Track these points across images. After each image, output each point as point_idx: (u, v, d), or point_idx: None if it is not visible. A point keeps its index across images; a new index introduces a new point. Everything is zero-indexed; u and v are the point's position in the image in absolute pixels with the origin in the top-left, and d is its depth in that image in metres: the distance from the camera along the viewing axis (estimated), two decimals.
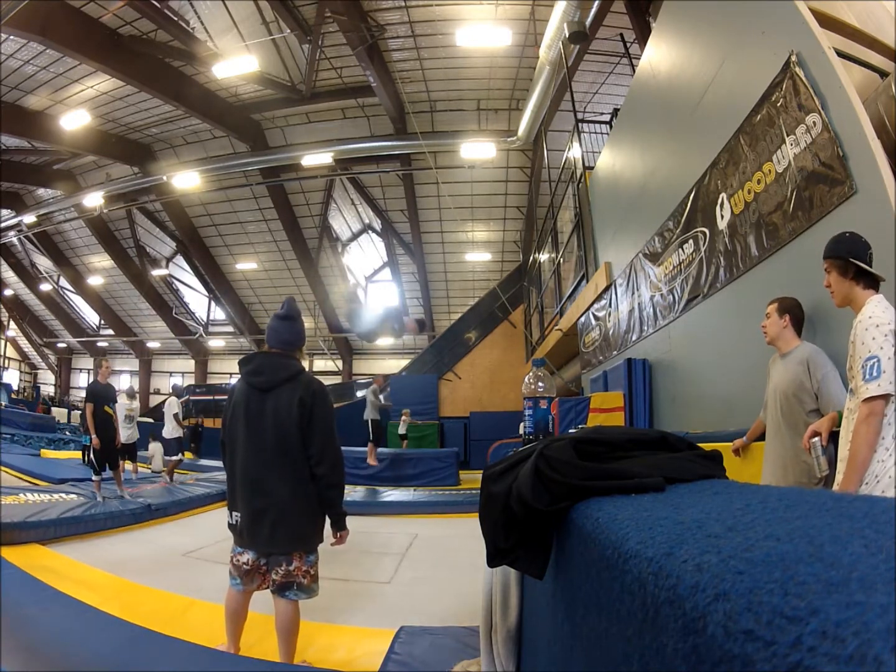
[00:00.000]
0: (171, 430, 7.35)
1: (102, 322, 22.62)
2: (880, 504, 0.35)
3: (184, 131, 14.13)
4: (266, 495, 1.99)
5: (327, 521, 2.17)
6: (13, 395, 18.85)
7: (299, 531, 2.04)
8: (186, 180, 14.04)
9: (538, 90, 9.79)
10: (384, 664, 1.94)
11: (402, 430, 11.83)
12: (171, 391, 8.11)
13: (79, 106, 11.96)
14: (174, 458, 7.37)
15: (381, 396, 8.27)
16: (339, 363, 20.31)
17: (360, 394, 16.14)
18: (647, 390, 5.02)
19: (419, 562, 4.18)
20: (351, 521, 2.23)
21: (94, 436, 5.20)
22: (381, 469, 8.61)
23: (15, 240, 19.00)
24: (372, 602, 3.19)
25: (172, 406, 7.47)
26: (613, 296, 6.11)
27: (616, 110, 7.71)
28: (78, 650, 1.83)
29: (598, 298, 6.69)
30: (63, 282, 21.42)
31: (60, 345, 24.56)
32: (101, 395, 5.30)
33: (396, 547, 4.66)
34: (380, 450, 9.13)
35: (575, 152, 7.95)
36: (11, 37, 9.53)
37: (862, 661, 0.19)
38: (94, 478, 5.29)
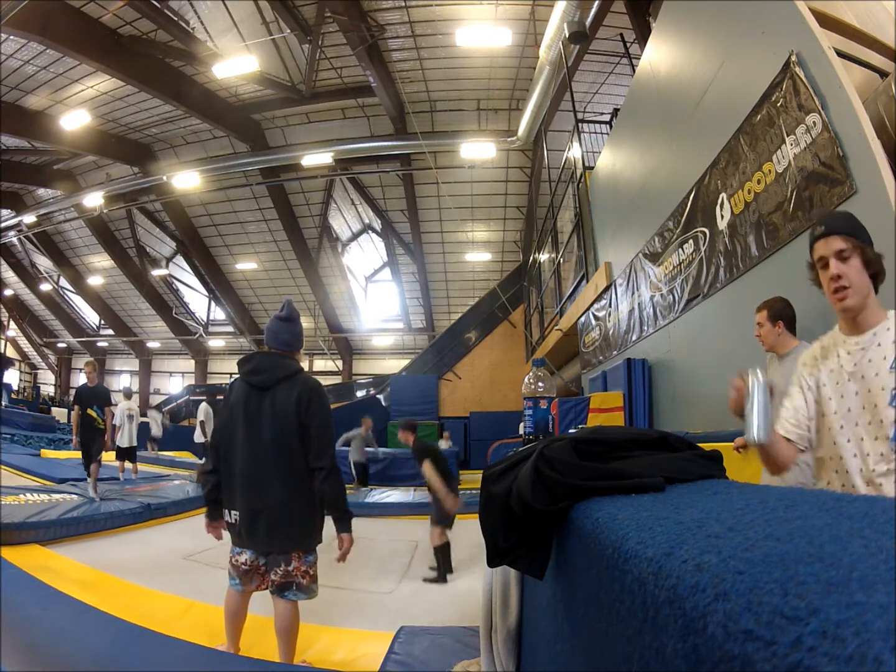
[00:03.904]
0: (198, 434, 7.49)
1: (102, 322, 22.62)
2: (880, 504, 0.35)
3: (184, 131, 14.13)
4: (264, 494, 1.99)
5: (327, 521, 2.16)
6: (13, 395, 18.84)
7: (297, 530, 2.04)
8: (186, 180, 14.03)
9: (538, 90, 9.79)
10: (384, 664, 1.94)
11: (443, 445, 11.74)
12: (205, 398, 8.21)
13: (79, 106, 11.95)
14: (202, 461, 7.47)
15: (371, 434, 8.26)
16: (339, 363, 20.31)
17: (359, 394, 16.15)
18: (647, 390, 5.02)
19: (419, 562, 4.18)
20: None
21: (74, 437, 5.33)
22: (381, 469, 8.61)
23: (15, 240, 18.99)
24: (372, 604, 3.19)
25: (200, 413, 7.59)
26: (613, 296, 6.11)
27: (616, 110, 7.71)
28: (78, 650, 1.83)
29: (598, 298, 6.69)
30: (63, 282, 21.42)
31: (60, 345, 24.56)
32: (84, 398, 5.33)
33: (397, 549, 4.65)
34: (380, 450, 9.12)
35: (575, 152, 7.95)
36: (11, 37, 9.52)
37: (862, 661, 0.19)
38: (89, 479, 5.32)
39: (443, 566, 3.71)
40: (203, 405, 7.69)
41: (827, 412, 1.29)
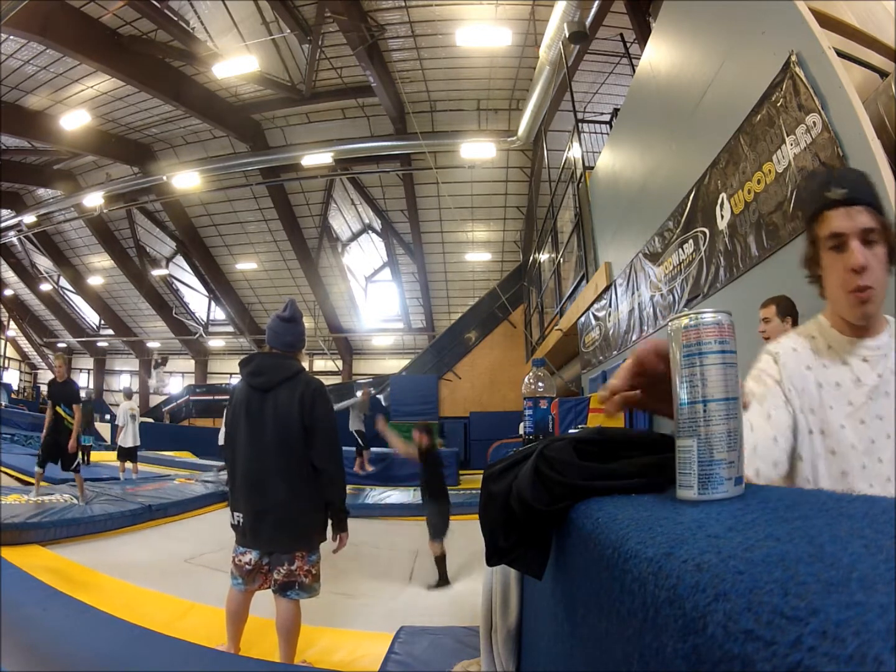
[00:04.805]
0: (223, 436, 7.46)
1: (102, 322, 22.61)
2: (880, 504, 0.35)
3: (184, 131, 14.12)
4: (267, 495, 1.99)
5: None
6: (13, 395, 18.84)
7: (301, 530, 2.04)
8: (186, 180, 14.03)
9: (538, 90, 9.79)
10: (384, 664, 1.94)
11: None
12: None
13: (79, 106, 11.95)
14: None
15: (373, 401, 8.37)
16: (339, 363, 20.30)
17: (359, 394, 16.13)
18: None
19: (419, 562, 4.18)
20: (351, 524, 2.23)
21: (43, 432, 5.06)
22: (381, 469, 8.61)
23: (15, 240, 18.99)
24: (374, 608, 3.19)
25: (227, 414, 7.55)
26: (613, 296, 6.11)
27: (616, 110, 7.71)
28: (78, 650, 1.83)
29: (598, 298, 6.69)
30: (63, 282, 21.41)
31: (60, 345, 24.53)
32: (52, 395, 5.11)
33: (397, 547, 4.65)
34: (381, 449, 9.12)
35: (575, 152, 7.95)
36: (11, 37, 9.52)
37: (862, 661, 0.19)
38: (76, 486, 5.14)
39: (444, 573, 3.79)
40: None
41: (839, 448, 0.89)
